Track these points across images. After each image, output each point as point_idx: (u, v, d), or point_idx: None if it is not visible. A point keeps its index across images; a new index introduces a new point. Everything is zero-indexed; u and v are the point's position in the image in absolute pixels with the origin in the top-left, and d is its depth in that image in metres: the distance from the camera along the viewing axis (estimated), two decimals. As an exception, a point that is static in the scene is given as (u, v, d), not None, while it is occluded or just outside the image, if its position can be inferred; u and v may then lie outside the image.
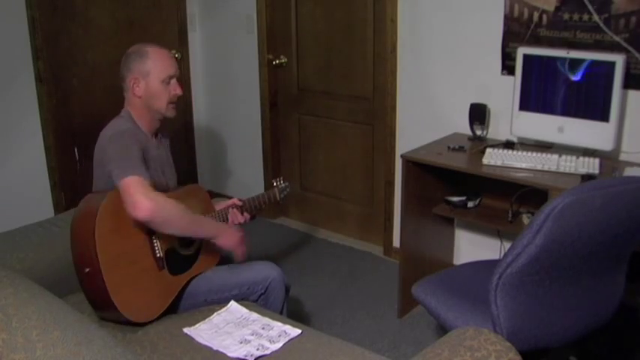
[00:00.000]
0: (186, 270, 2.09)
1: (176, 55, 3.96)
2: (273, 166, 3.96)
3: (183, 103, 4.08)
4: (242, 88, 3.96)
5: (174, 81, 2.18)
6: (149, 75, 2.14)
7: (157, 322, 1.95)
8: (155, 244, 1.99)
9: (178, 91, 2.19)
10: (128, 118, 2.19)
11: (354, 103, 3.52)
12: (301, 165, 3.86)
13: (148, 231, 1.96)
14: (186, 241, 2.10)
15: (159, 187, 2.06)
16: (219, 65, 4.07)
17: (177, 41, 3.96)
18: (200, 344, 1.82)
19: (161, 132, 2.31)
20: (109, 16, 3.59)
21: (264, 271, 2.20)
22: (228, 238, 2.13)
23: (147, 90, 2.15)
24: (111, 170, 1.95)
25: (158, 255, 1.99)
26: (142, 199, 1.84)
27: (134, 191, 1.85)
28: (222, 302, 2.09)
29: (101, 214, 1.87)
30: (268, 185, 3.88)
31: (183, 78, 4.04)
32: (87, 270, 1.85)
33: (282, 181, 2.58)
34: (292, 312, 2.41)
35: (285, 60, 3.75)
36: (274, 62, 3.76)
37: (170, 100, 2.18)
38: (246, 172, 4.13)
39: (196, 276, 2.12)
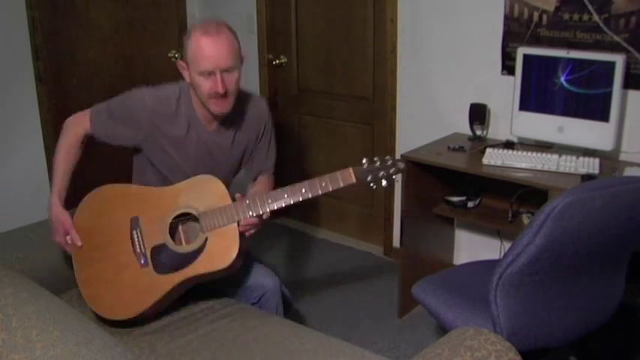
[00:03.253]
0: (178, 269, 1.88)
1: (176, 55, 3.96)
2: (273, 166, 3.96)
3: (183, 103, 4.08)
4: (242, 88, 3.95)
5: (219, 75, 1.90)
6: (189, 63, 1.96)
7: (156, 322, 1.95)
8: (136, 239, 1.90)
9: (218, 89, 1.90)
10: (185, 90, 2.07)
11: (354, 103, 3.52)
12: (301, 165, 3.86)
13: (130, 225, 1.91)
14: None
15: (192, 173, 2.01)
16: (219, 65, 4.07)
17: (177, 41, 3.96)
18: (199, 345, 1.82)
19: (236, 124, 2.11)
20: (109, 16, 3.59)
21: (261, 280, 2.11)
22: (52, 217, 2.04)
23: (189, 78, 1.99)
24: None
25: (138, 250, 1.90)
26: (71, 116, 2.18)
27: (79, 113, 2.18)
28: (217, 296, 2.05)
29: (82, 206, 1.90)
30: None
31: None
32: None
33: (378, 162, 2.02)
34: (292, 312, 2.40)
35: (285, 60, 3.75)
36: (274, 62, 3.75)
37: (209, 95, 1.94)
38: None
39: (200, 277, 1.91)
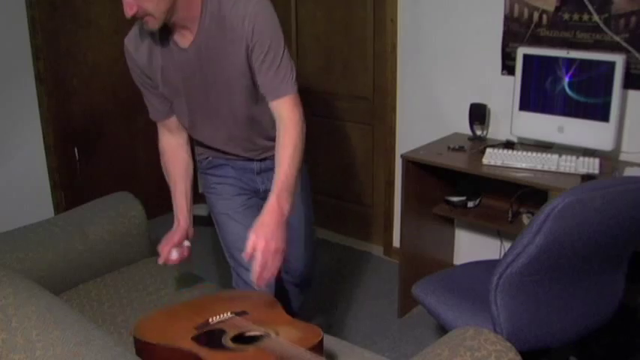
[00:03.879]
0: None
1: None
2: (273, 166, 3.96)
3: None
4: None
5: None
6: None
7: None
8: None
9: (126, 14, 1.65)
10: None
11: (354, 103, 3.52)
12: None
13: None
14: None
15: (190, 101, 1.88)
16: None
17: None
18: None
19: (218, 33, 1.76)
20: (109, 16, 3.59)
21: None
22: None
23: None
24: None
25: None
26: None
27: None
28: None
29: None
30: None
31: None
32: None
33: None
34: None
35: (285, 60, 3.74)
36: (274, 62, 3.75)
37: None
38: (246, 172, 4.12)
39: None
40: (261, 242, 1.61)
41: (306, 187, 2.19)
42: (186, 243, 2.02)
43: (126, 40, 1.88)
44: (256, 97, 1.88)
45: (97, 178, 3.70)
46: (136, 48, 1.87)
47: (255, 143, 2.02)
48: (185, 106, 1.93)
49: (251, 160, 2.06)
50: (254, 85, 1.84)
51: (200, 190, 2.24)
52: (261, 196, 2.08)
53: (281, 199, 1.70)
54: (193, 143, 2.12)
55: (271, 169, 1.85)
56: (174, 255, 1.95)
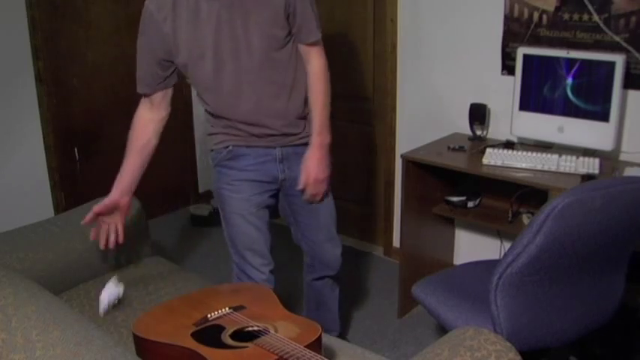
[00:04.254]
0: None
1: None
2: (273, 166, 3.96)
3: (183, 103, 4.08)
4: None
5: None
6: None
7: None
8: None
9: None
10: None
11: (354, 103, 3.51)
12: (301, 165, 3.86)
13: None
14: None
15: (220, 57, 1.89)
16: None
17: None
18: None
19: None
20: (109, 16, 3.59)
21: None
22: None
23: None
24: None
25: None
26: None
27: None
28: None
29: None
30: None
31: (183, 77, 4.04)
32: None
33: None
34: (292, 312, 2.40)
35: (285, 60, 3.74)
36: (274, 62, 3.75)
37: None
38: (246, 172, 4.12)
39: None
40: (312, 175, 2.08)
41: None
42: (119, 226, 2.07)
43: (147, 1, 1.89)
44: (282, 55, 1.97)
45: (97, 178, 3.70)
46: (158, 8, 1.87)
47: (279, 113, 2.03)
48: (211, 65, 1.92)
49: (273, 147, 2.07)
50: (282, 39, 1.94)
51: (213, 187, 2.17)
52: (279, 185, 2.13)
53: (322, 135, 2.11)
54: (209, 133, 2.12)
55: (293, 156, 2.08)
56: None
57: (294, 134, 2.08)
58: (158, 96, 2.04)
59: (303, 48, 2.03)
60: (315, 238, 2.27)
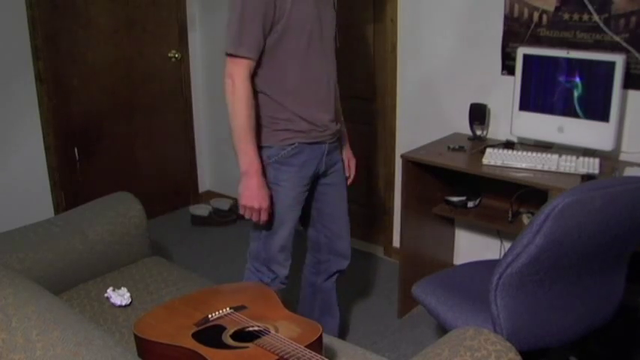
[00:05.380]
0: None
1: (176, 56, 3.96)
2: (273, 166, 3.96)
3: (183, 103, 4.08)
4: (242, 88, 3.96)
5: None
6: None
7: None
8: None
9: None
10: None
11: (354, 103, 3.51)
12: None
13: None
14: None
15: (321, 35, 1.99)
16: (219, 65, 4.06)
17: (177, 41, 3.96)
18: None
19: None
20: (109, 16, 3.59)
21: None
22: (244, 188, 1.95)
23: None
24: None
25: None
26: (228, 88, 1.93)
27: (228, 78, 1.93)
28: None
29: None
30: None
31: (183, 78, 4.05)
32: None
33: None
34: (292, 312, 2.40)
35: (285, 60, 3.74)
36: (274, 62, 3.75)
37: None
38: (246, 172, 4.12)
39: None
40: (354, 160, 2.42)
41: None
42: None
43: None
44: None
45: (97, 178, 3.70)
46: None
47: (332, 104, 2.14)
48: (305, 38, 1.96)
49: (324, 142, 2.13)
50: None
51: (271, 182, 2.10)
52: (319, 176, 2.20)
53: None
54: (277, 130, 2.06)
55: (333, 150, 2.20)
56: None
57: (337, 130, 2.20)
58: (253, 65, 1.95)
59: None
60: (336, 227, 2.32)
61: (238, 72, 1.92)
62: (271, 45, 1.94)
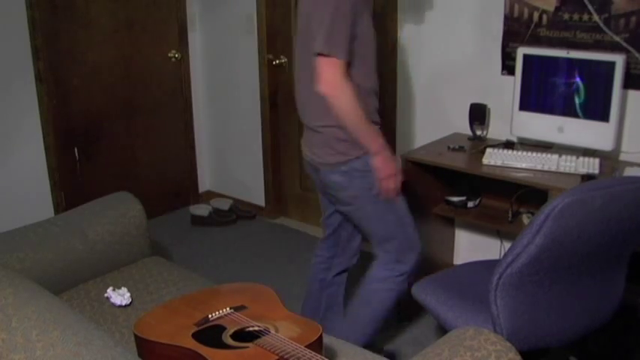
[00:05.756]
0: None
1: (176, 55, 3.96)
2: (273, 166, 3.96)
3: (183, 103, 4.08)
4: (242, 88, 3.96)
5: None
6: None
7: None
8: None
9: None
10: None
11: (354, 103, 3.51)
12: (301, 165, 3.86)
13: None
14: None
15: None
16: (219, 65, 4.07)
17: (177, 41, 3.96)
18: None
19: None
20: (109, 16, 3.59)
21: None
22: (383, 162, 2.12)
23: None
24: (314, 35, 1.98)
25: None
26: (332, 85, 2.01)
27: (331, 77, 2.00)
28: None
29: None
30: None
31: (183, 78, 4.05)
32: None
33: None
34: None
35: (285, 60, 3.75)
36: (274, 62, 3.75)
37: None
38: (246, 172, 4.13)
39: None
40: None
41: None
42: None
43: None
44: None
45: (97, 178, 3.70)
46: None
47: None
48: (372, 44, 2.12)
49: None
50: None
51: (372, 191, 2.24)
52: None
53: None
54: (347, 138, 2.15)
55: None
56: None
57: None
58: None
59: None
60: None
61: (341, 72, 2.02)
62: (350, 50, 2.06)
